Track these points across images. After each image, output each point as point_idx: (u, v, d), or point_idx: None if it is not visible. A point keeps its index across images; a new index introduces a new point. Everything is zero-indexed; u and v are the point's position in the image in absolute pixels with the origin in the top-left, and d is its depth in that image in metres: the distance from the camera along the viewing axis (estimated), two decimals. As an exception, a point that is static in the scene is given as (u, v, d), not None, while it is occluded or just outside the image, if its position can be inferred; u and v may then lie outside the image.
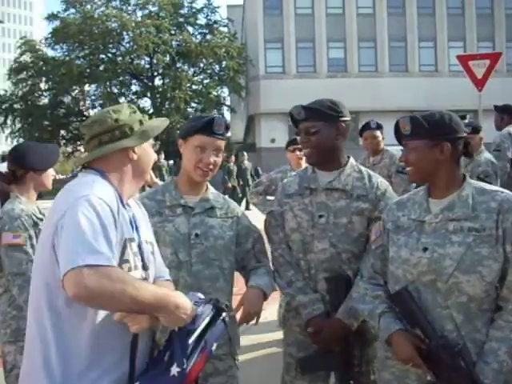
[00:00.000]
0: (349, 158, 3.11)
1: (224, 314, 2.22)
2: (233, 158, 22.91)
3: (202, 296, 2.24)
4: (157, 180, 4.09)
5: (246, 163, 22.35)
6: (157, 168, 22.40)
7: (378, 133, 6.25)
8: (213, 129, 2.84)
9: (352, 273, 2.94)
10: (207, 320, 2.16)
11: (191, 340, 2.11)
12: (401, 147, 2.62)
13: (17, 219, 3.51)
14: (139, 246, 2.23)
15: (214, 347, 2.20)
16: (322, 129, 2.96)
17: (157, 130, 2.35)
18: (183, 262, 2.83)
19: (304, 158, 3.30)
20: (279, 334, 3.29)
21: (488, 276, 2.31)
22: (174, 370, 2.06)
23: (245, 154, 22.97)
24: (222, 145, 2.91)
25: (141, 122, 2.30)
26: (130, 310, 1.99)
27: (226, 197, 3.17)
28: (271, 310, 3.29)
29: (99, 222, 1.98)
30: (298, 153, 5.42)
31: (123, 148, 2.23)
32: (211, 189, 3.05)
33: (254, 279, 2.87)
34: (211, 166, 2.89)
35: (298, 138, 3.14)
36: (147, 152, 2.33)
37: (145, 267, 2.23)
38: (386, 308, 2.53)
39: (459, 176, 2.50)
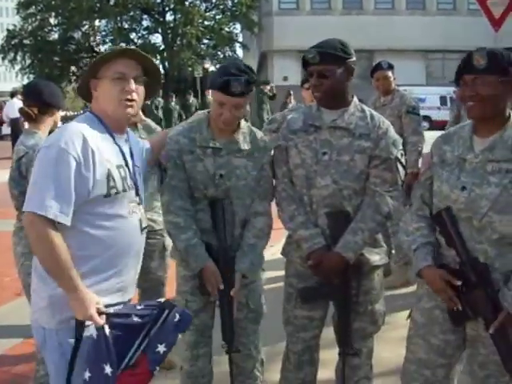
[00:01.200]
0: (353, 97, 3.18)
1: (167, 312, 2.41)
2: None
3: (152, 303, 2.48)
4: (146, 119, 4.15)
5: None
6: (167, 111, 22.34)
7: (390, 73, 6.17)
8: (229, 90, 2.97)
9: (352, 209, 3.09)
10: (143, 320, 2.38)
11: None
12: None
13: None
14: (130, 172, 2.59)
15: (161, 349, 2.37)
16: (335, 72, 3.03)
17: (106, 68, 2.55)
18: (211, 197, 3.12)
19: None
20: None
21: None
22: (108, 369, 2.28)
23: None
24: (240, 102, 3.02)
25: (95, 63, 2.55)
26: (46, 267, 2.36)
27: (258, 132, 3.27)
28: (279, 246, 3.36)
29: (58, 173, 2.31)
30: None
31: (90, 82, 2.59)
32: (244, 127, 3.20)
33: (238, 261, 3.08)
34: (230, 120, 3.07)
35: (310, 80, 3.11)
36: (105, 88, 2.55)
37: (137, 192, 2.62)
38: (421, 243, 2.70)
39: (507, 116, 2.55)
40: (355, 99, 3.19)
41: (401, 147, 3.15)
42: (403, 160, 3.14)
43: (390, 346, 4.14)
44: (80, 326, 2.36)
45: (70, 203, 2.32)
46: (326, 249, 3.05)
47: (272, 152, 3.24)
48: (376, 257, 3.17)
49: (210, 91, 3.19)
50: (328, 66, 3.01)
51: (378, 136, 3.06)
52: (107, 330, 2.33)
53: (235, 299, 3.07)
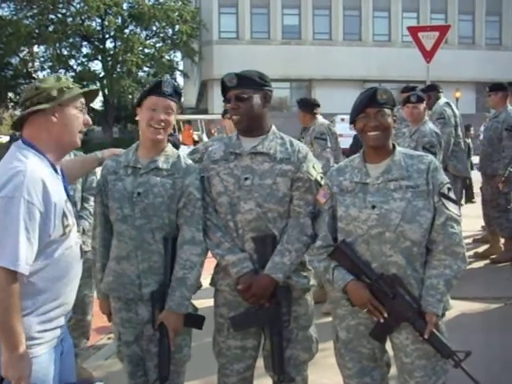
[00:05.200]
0: (271, 126, 3.26)
1: None
2: None
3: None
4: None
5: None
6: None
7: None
8: (162, 89, 3.10)
9: (277, 232, 3.12)
10: None
11: None
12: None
13: None
14: (71, 202, 2.60)
15: None
16: (251, 96, 3.11)
17: (76, 97, 2.58)
18: (127, 216, 3.13)
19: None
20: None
21: (424, 223, 2.82)
22: None
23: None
24: (172, 105, 3.15)
25: (61, 90, 2.52)
26: None
27: (184, 158, 3.28)
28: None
29: (26, 227, 2.30)
30: None
31: (42, 112, 2.49)
32: (169, 150, 3.25)
33: (168, 298, 3.06)
34: (162, 124, 3.12)
35: (228, 105, 3.22)
36: (68, 116, 2.54)
37: (76, 220, 2.65)
38: (336, 265, 2.93)
39: (391, 145, 2.98)
40: (274, 127, 3.26)
41: (320, 170, 3.27)
42: (322, 182, 3.19)
43: (329, 372, 3.89)
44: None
45: (33, 253, 2.35)
46: (254, 272, 3.06)
47: (199, 176, 3.21)
48: (304, 280, 3.18)
49: (138, 109, 3.21)
50: (245, 90, 3.09)
51: (299, 160, 3.13)
52: None
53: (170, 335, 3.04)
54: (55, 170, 2.54)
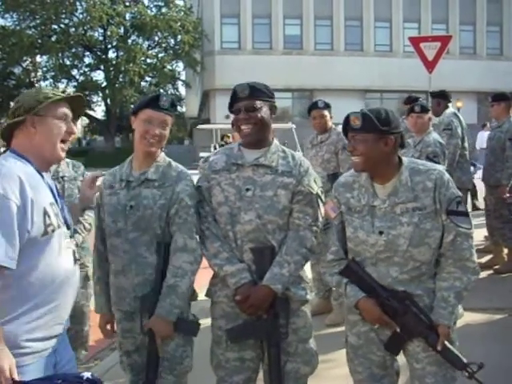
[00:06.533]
0: (273, 139, 3.27)
1: None
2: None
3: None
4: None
5: None
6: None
7: (326, 112, 6.32)
8: (159, 103, 3.11)
9: (276, 243, 3.11)
10: None
11: None
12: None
13: None
14: (59, 206, 2.61)
15: None
16: (261, 107, 3.12)
17: (57, 107, 2.58)
18: (121, 230, 3.15)
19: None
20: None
21: (433, 244, 2.82)
22: None
23: None
24: (167, 119, 3.17)
25: (38, 101, 2.55)
26: None
27: (176, 165, 3.28)
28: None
29: (2, 220, 2.31)
30: None
31: (23, 124, 2.55)
32: (160, 160, 3.25)
33: (158, 305, 3.05)
34: (157, 138, 3.13)
35: (232, 116, 3.24)
36: (47, 126, 2.56)
37: (68, 226, 2.64)
38: (348, 280, 2.94)
39: (397, 162, 2.90)
40: (276, 141, 3.28)
41: (321, 184, 3.26)
42: (323, 197, 3.22)
43: (332, 383, 4.01)
44: None
45: (15, 247, 2.33)
46: (252, 283, 3.04)
47: (190, 183, 3.23)
48: (302, 292, 3.16)
49: (133, 118, 3.22)
50: (256, 101, 3.10)
51: (300, 173, 3.13)
52: None
53: (159, 348, 3.05)
54: (41, 176, 2.56)
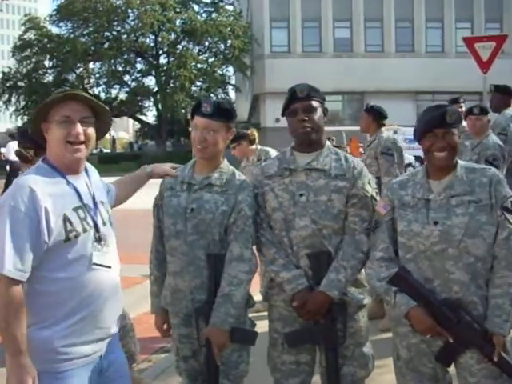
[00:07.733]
0: (325, 140, 3.24)
1: None
2: None
3: None
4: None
5: None
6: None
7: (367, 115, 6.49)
8: (201, 109, 3.11)
9: (332, 248, 3.09)
10: None
11: None
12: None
13: None
14: (89, 211, 2.59)
15: None
16: (318, 107, 3.14)
17: (54, 111, 2.55)
18: (180, 232, 3.14)
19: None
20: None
21: (488, 238, 2.77)
22: None
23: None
24: (211, 124, 3.10)
25: (44, 106, 2.55)
26: None
27: (239, 174, 3.27)
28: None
29: (12, 232, 2.34)
30: None
31: (41, 129, 2.59)
32: (224, 167, 3.23)
33: (213, 315, 3.01)
34: (204, 144, 3.12)
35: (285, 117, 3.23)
36: (52, 130, 2.55)
37: (97, 228, 2.58)
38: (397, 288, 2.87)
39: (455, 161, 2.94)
40: (328, 143, 3.25)
41: (375, 186, 3.22)
42: (378, 198, 3.18)
43: None
44: None
45: (24, 259, 2.34)
46: (309, 289, 3.04)
47: (251, 193, 3.19)
48: (360, 296, 3.15)
49: (191, 122, 3.27)
50: (314, 101, 3.12)
51: (354, 176, 3.11)
52: None
53: (217, 354, 3.01)
54: (66, 180, 2.55)
